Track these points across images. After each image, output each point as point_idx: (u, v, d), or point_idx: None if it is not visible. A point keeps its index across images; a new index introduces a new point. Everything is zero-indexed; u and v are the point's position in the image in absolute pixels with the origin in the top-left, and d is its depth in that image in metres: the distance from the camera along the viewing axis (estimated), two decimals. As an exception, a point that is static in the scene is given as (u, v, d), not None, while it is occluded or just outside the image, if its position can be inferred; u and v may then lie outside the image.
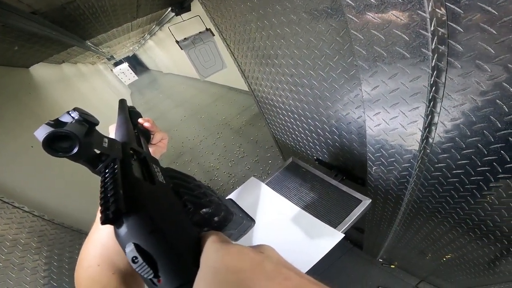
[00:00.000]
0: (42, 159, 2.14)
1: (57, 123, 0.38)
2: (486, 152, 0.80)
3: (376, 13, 0.72)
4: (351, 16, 0.78)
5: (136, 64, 23.09)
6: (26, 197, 1.60)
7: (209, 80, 6.42)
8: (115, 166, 0.42)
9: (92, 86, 7.79)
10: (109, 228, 0.44)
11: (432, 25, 0.64)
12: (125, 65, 12.95)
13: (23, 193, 1.61)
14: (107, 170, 0.42)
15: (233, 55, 1.90)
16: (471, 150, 0.84)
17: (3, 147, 1.87)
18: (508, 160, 0.76)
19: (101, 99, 7.60)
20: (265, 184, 1.74)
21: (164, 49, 12.42)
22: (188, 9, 4.09)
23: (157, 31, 8.97)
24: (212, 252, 0.34)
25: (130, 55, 20.44)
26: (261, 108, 2.12)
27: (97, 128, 0.43)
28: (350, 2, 0.75)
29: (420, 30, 0.66)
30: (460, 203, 1.09)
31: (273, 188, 1.68)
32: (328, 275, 2.67)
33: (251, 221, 0.59)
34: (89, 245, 0.59)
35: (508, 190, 0.87)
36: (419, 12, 0.64)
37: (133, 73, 12.89)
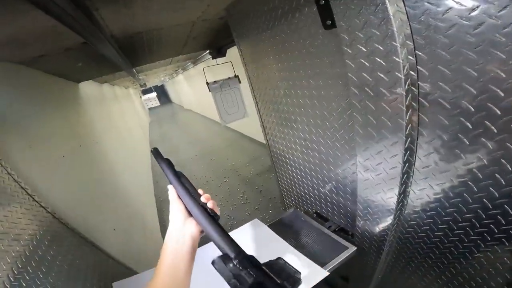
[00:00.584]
0: (69, 169, 2.36)
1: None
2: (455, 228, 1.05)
3: (373, 102, 1.01)
4: (355, 102, 1.09)
5: (162, 94, 23.74)
6: (49, 199, 1.71)
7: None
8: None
9: (121, 109, 8.14)
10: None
11: (407, 115, 0.92)
12: (153, 94, 13.58)
13: (46, 196, 1.71)
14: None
15: (259, 111, 2.22)
16: (449, 218, 1.07)
17: (42, 152, 2.04)
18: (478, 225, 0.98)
19: (125, 123, 7.84)
20: (267, 226, 1.97)
21: (191, 86, 12.99)
22: (223, 54, 4.31)
23: (190, 68, 9.31)
24: None
25: (159, 85, 20.99)
26: (273, 161, 2.40)
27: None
28: (356, 92, 1.06)
29: (399, 120, 0.95)
30: (437, 259, 1.28)
31: (273, 230, 1.90)
32: None
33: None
34: None
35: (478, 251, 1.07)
36: (399, 105, 0.92)
37: (157, 100, 13.54)
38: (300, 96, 1.58)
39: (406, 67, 0.82)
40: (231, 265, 0.61)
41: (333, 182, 1.68)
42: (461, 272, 1.20)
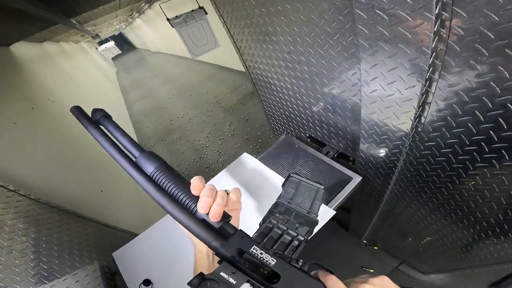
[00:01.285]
0: (26, 136, 2.11)
1: None
2: (475, 132, 0.86)
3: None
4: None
5: (123, 43, 22.39)
6: (10, 175, 1.57)
7: (199, 59, 6.37)
8: None
9: (77, 65, 7.58)
10: None
11: (437, 9, 0.67)
12: (111, 43, 12.71)
13: (6, 172, 1.58)
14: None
15: (229, 31, 1.89)
16: (461, 129, 0.90)
17: None
18: (496, 140, 0.83)
19: (86, 77, 7.41)
20: (258, 159, 1.79)
21: (153, 27, 12.10)
22: None
23: (146, 9, 8.80)
24: None
25: (116, 34, 19.79)
26: (255, 85, 2.14)
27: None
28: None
29: (425, 12, 0.70)
30: (445, 183, 1.17)
31: (265, 164, 1.73)
32: (315, 255, 2.76)
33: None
34: None
35: (490, 173, 0.95)
36: None
37: (116, 48, 12.73)
38: (277, 2, 1.26)
39: None
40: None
41: (329, 99, 1.46)
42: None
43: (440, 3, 0.67)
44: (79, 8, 3.41)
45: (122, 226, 2.11)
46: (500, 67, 0.68)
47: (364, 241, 2.81)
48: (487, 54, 0.68)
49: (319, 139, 1.83)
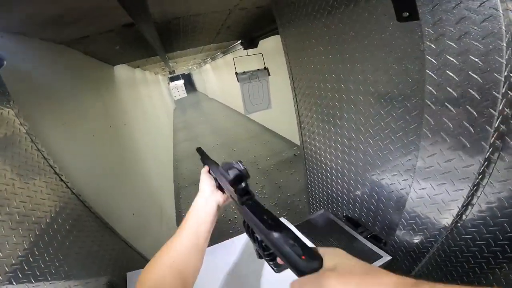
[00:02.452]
0: (97, 149, 2.35)
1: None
2: (509, 230, 0.95)
3: (452, 106, 0.91)
4: (429, 103, 0.98)
5: (188, 82, 23.85)
6: (75, 178, 1.66)
7: (249, 116, 6.64)
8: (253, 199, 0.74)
9: (150, 94, 8.23)
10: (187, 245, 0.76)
11: (497, 122, 0.81)
12: (181, 82, 13.59)
13: (73, 175, 1.68)
14: (253, 206, 0.71)
15: (297, 104, 2.11)
16: (497, 228, 0.98)
17: (72, 132, 2.00)
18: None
19: (152, 107, 7.95)
20: (294, 226, 1.88)
21: (217, 75, 13.07)
22: (255, 45, 4.31)
23: (219, 57, 9.39)
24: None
25: (186, 73, 21.15)
26: (305, 159, 2.29)
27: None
28: (432, 90, 0.95)
29: (485, 126, 0.83)
30: (473, 268, 1.19)
31: (301, 232, 1.81)
32: None
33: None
34: (164, 255, 0.74)
35: None
36: (489, 109, 0.81)
37: (184, 91, 13.55)
38: (352, 91, 1.47)
39: (508, 69, 0.71)
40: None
41: (375, 187, 1.57)
42: None
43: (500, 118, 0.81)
44: (176, 46, 3.84)
45: (144, 253, 2.19)
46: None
47: None
48: None
49: (356, 220, 1.90)
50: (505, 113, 0.78)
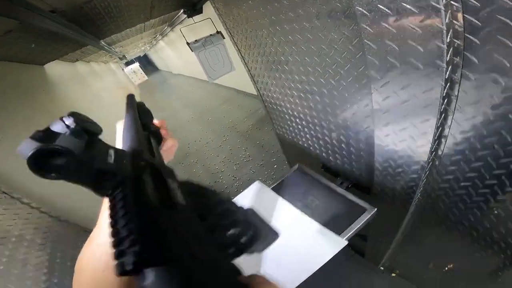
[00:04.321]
0: None
1: (47, 136, 0.31)
2: (495, 166, 0.79)
3: (391, 23, 0.72)
4: (365, 26, 0.78)
5: (147, 64, 23.16)
6: (33, 194, 1.58)
7: (218, 83, 6.41)
8: (126, 190, 0.34)
9: (104, 85, 7.86)
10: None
11: (449, 36, 0.63)
12: (136, 65, 13.01)
13: (31, 190, 1.58)
14: (115, 194, 0.34)
15: (243, 59, 1.91)
16: (481, 163, 0.83)
17: (14, 145, 1.87)
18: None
19: (113, 96, 7.65)
20: (270, 189, 1.74)
21: (175, 50, 12.47)
22: (200, 11, 4.13)
23: (168, 32, 9.03)
24: None
25: (141, 55, 20.50)
26: (269, 113, 2.12)
27: (106, 133, 0.37)
28: (364, 11, 0.75)
29: (436, 42, 0.66)
30: (466, 215, 1.08)
31: (278, 193, 1.67)
32: (330, 281, 2.65)
33: (275, 234, 0.51)
34: (94, 248, 0.58)
35: None
36: (436, 24, 0.63)
37: (143, 73, 12.97)
38: (288, 31, 1.25)
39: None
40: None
41: (342, 130, 1.41)
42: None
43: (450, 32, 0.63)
44: (108, 30, 3.56)
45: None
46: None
47: (381, 267, 2.66)
48: (503, 85, 0.63)
49: (333, 169, 1.77)
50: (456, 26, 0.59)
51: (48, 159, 0.29)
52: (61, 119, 0.33)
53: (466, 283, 1.63)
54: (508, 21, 0.55)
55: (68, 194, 2.06)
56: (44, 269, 1.19)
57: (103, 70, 9.37)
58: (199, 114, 8.42)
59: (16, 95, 2.41)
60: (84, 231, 1.72)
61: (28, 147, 0.28)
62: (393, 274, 2.60)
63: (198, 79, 12.06)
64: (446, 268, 1.69)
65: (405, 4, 0.67)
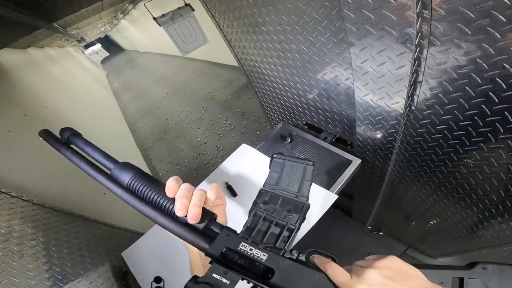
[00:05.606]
0: (22, 143, 2.10)
1: None
2: (467, 107, 0.89)
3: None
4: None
5: (109, 45, 22.00)
6: (11, 182, 1.55)
7: (190, 56, 6.28)
8: None
9: (65, 69, 7.47)
10: None
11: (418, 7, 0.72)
12: (97, 46, 12.46)
13: (7, 179, 1.57)
14: None
15: (218, 25, 1.89)
16: (454, 105, 0.93)
17: None
18: (488, 113, 0.85)
19: (76, 81, 7.34)
20: (257, 149, 1.81)
21: (140, 28, 11.87)
22: None
23: (130, 9, 8.59)
24: None
25: (102, 37, 19.45)
26: (248, 77, 2.14)
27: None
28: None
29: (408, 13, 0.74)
30: (443, 161, 1.19)
31: (264, 153, 1.75)
32: (321, 244, 2.79)
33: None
34: None
35: (487, 147, 0.97)
36: None
37: (104, 51, 12.47)
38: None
39: None
40: None
41: (322, 85, 1.48)
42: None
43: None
44: (60, 11, 3.36)
45: (128, 226, 2.12)
46: (484, 45, 0.71)
47: (369, 227, 2.84)
48: (470, 33, 0.71)
49: (316, 125, 1.84)
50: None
51: None
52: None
53: (447, 238, 1.78)
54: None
55: (46, 179, 2.04)
56: (43, 258, 1.18)
57: (60, 54, 8.78)
58: (174, 89, 8.21)
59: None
60: (72, 217, 1.72)
61: None
62: (380, 233, 2.78)
63: (168, 55, 11.60)
64: (428, 224, 1.83)
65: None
